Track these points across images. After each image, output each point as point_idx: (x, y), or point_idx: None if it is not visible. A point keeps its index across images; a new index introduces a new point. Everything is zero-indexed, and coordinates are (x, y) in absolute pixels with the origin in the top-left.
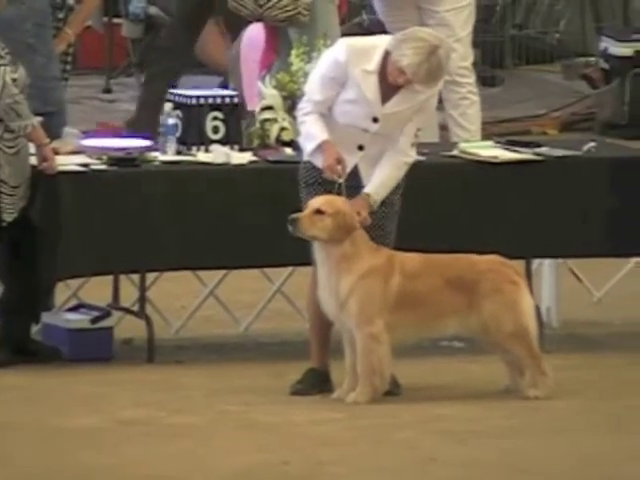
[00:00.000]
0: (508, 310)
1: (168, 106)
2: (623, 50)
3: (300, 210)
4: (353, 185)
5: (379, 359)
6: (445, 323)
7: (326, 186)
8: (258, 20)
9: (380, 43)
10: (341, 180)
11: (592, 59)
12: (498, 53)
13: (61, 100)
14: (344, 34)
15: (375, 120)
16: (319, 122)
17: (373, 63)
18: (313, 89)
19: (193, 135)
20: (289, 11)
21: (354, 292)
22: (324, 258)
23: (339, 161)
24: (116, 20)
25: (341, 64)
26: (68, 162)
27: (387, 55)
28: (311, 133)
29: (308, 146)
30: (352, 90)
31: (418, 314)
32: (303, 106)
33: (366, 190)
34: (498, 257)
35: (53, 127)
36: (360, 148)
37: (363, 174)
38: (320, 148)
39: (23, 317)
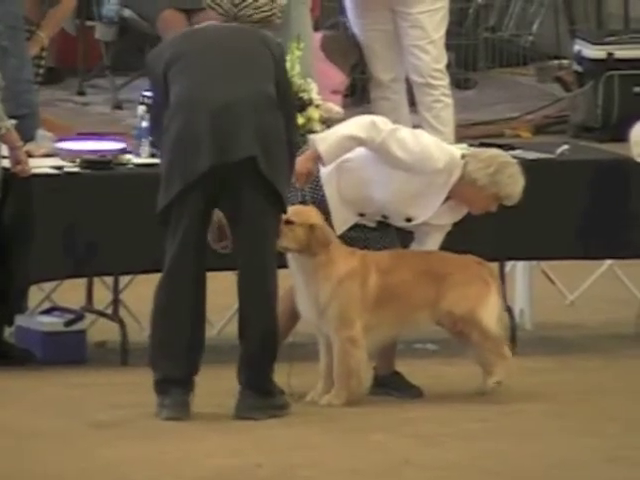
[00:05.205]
0: (471, 302)
1: (141, 109)
2: (596, 53)
3: None
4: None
5: (357, 362)
6: (418, 315)
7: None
8: (233, 20)
9: (459, 161)
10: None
11: (565, 62)
12: (471, 56)
13: (34, 103)
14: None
15: (409, 220)
16: (342, 146)
17: (454, 178)
18: (403, 141)
19: None
20: (264, 12)
21: (334, 298)
22: (298, 268)
23: (309, 176)
24: (89, 23)
25: (436, 168)
26: (41, 165)
27: (465, 181)
28: (329, 137)
29: (318, 137)
30: (421, 185)
31: (394, 309)
32: (375, 129)
33: None
34: (474, 256)
35: (26, 130)
36: (361, 215)
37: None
38: (308, 152)
39: None
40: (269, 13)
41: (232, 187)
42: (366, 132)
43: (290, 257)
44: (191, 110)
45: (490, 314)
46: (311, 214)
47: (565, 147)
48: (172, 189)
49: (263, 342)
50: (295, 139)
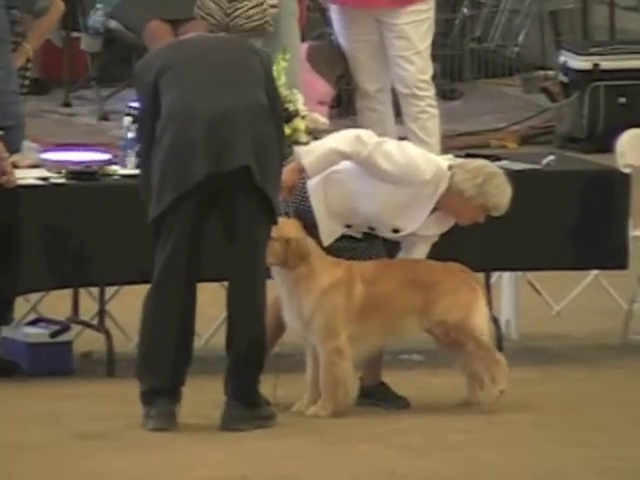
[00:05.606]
0: (462, 309)
1: (127, 120)
2: (582, 64)
3: None
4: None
5: (343, 373)
6: (405, 324)
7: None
8: (225, 31)
9: (446, 172)
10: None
11: (551, 72)
12: (457, 66)
13: (20, 114)
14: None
15: (396, 231)
16: (327, 159)
17: (441, 189)
18: (389, 154)
19: None
20: (255, 21)
21: (318, 309)
22: (282, 281)
23: (292, 188)
24: (75, 34)
25: (424, 179)
26: (27, 176)
27: (452, 192)
28: (314, 150)
29: (304, 150)
30: (408, 196)
31: (380, 318)
32: (354, 139)
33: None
34: (458, 264)
35: (12, 141)
36: (348, 226)
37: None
38: (293, 164)
39: None
40: (261, 22)
41: (226, 197)
42: (351, 146)
43: (273, 270)
44: (185, 120)
45: (482, 321)
46: (288, 227)
47: (551, 158)
48: (165, 198)
49: (250, 353)
50: (283, 150)
